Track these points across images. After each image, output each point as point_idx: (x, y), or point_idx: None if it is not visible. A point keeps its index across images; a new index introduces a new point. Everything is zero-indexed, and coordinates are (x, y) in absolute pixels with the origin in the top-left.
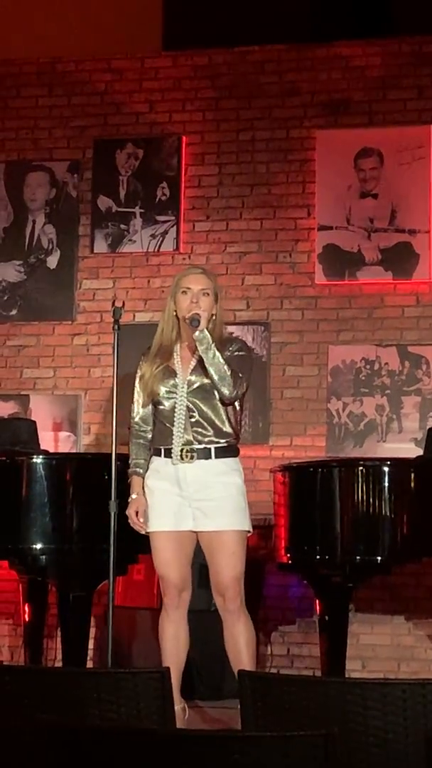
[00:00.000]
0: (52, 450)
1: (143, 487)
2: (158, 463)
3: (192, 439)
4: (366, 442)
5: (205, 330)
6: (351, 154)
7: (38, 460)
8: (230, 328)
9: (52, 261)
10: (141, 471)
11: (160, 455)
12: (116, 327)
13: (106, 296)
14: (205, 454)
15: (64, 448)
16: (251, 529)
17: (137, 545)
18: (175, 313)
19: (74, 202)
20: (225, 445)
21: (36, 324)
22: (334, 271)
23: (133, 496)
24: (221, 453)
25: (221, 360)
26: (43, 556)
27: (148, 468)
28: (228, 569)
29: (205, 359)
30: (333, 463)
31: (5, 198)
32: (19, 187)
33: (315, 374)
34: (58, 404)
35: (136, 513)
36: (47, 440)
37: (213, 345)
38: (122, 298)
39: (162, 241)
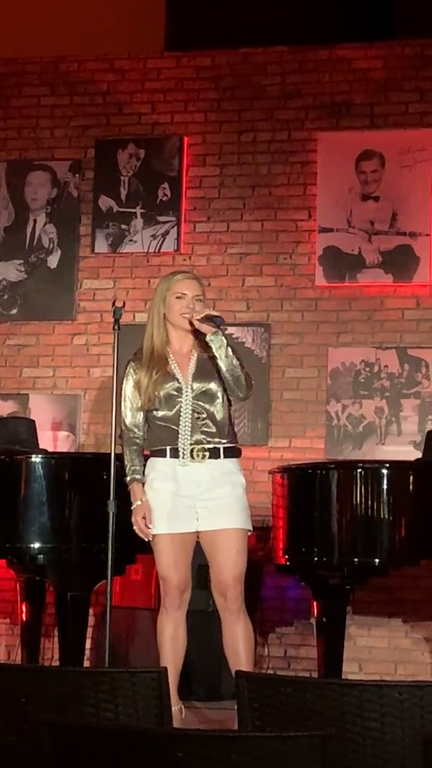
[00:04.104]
0: (50, 449)
1: (145, 491)
2: (163, 464)
3: (202, 439)
4: (365, 444)
5: (220, 332)
6: (352, 156)
7: (37, 459)
8: (230, 330)
9: (53, 260)
10: (140, 477)
11: (165, 456)
12: (116, 327)
13: (106, 296)
14: (215, 454)
15: (63, 447)
16: (252, 529)
17: (135, 545)
18: (164, 318)
19: (75, 202)
20: (230, 445)
21: (36, 323)
22: (335, 273)
23: (138, 503)
24: (229, 453)
25: (237, 362)
26: (41, 556)
27: (144, 473)
28: (231, 568)
29: (220, 360)
30: (332, 465)
31: (6, 197)
32: (20, 186)
33: (315, 376)
34: (58, 404)
35: (143, 519)
36: (46, 440)
37: (228, 345)
38: (122, 298)
39: (163, 242)
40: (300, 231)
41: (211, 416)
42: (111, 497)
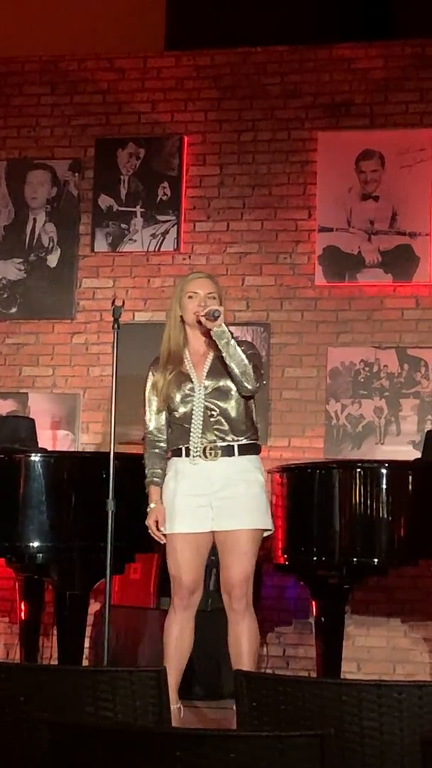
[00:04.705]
0: (50, 448)
1: (161, 492)
2: (180, 463)
3: (215, 437)
4: (364, 444)
5: (224, 325)
6: (352, 156)
7: (36, 458)
8: (230, 329)
9: (53, 259)
10: (158, 480)
11: (181, 455)
12: (116, 326)
13: (105, 295)
14: (229, 452)
15: (63, 446)
16: (272, 527)
17: (134, 544)
18: (181, 318)
19: (75, 201)
20: (246, 442)
21: (35, 322)
22: (334, 272)
23: (152, 505)
24: (244, 450)
25: (241, 354)
26: (41, 554)
27: (164, 477)
28: (238, 568)
29: (225, 353)
30: (331, 464)
31: (6, 196)
32: (20, 185)
33: (314, 376)
34: (57, 403)
35: (156, 523)
36: (45, 438)
37: (233, 339)
38: (122, 297)
39: (162, 241)
40: (300, 230)
41: (224, 414)
42: (110, 496)
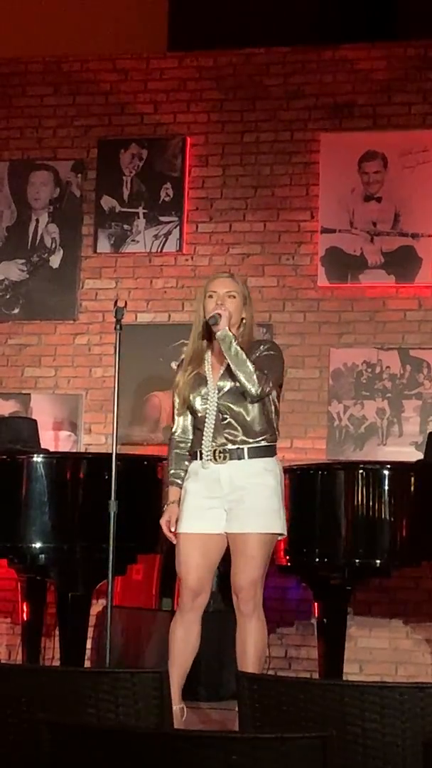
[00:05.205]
0: (52, 449)
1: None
2: (195, 465)
3: (225, 440)
4: (366, 445)
5: (226, 329)
6: (355, 157)
7: (38, 459)
8: None
9: (55, 260)
10: (177, 481)
11: (196, 458)
12: (118, 327)
13: (108, 296)
14: (239, 455)
15: (65, 447)
16: (284, 531)
17: (136, 545)
18: (204, 319)
19: (78, 202)
20: (258, 445)
21: (38, 323)
22: (337, 273)
23: (166, 506)
24: (255, 453)
25: (244, 357)
26: (43, 555)
27: (183, 477)
28: (245, 572)
29: (227, 357)
30: (333, 466)
31: (9, 197)
32: (23, 185)
33: (316, 377)
34: (59, 404)
35: (168, 522)
36: (48, 439)
37: (235, 343)
38: (124, 298)
39: (165, 242)
40: (302, 231)
41: (237, 416)
42: (112, 497)
